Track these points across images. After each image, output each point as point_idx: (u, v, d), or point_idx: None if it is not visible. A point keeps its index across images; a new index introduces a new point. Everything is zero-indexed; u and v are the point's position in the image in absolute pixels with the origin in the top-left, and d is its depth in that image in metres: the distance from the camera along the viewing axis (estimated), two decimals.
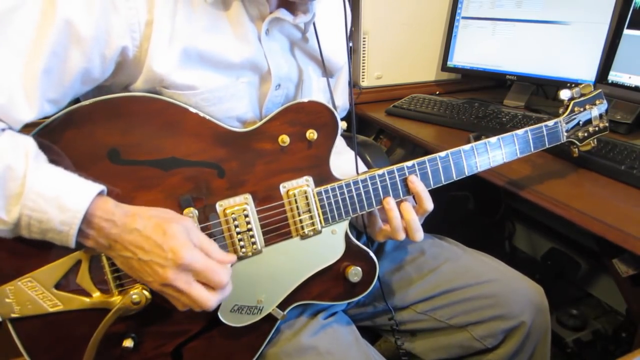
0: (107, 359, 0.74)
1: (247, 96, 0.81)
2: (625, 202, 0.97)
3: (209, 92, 0.75)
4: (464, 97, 1.68)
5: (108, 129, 0.68)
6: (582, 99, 0.98)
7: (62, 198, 0.61)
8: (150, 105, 0.71)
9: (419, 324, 1.00)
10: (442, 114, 1.48)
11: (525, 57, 1.57)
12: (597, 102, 1.00)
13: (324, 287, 0.85)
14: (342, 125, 0.85)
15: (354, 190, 0.82)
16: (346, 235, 0.84)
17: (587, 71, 1.43)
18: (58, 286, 0.69)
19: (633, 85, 1.31)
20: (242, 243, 0.76)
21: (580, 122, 0.99)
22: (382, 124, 1.56)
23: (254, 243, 0.77)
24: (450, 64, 1.74)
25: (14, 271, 0.67)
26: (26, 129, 0.65)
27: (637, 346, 1.20)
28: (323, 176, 0.81)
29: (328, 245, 0.83)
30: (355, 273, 0.84)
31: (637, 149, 1.10)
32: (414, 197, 0.85)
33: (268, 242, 0.79)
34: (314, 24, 0.85)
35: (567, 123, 0.97)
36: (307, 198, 0.79)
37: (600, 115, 1.00)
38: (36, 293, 0.68)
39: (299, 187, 0.79)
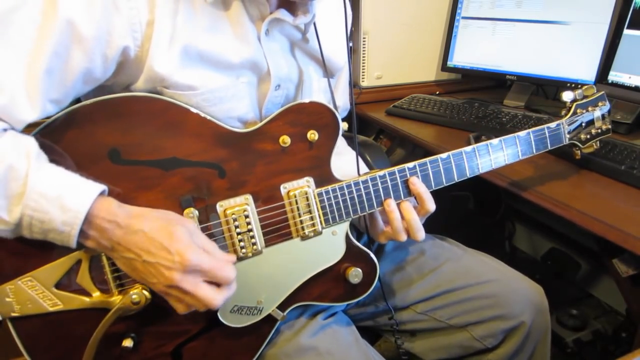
0: (107, 358, 0.74)
1: (248, 96, 0.81)
2: (626, 202, 0.97)
3: (210, 93, 0.75)
4: (464, 97, 1.68)
5: (109, 129, 0.68)
6: (584, 100, 0.98)
7: (63, 198, 0.61)
8: (151, 105, 0.71)
9: (419, 324, 1.00)
10: (442, 114, 1.48)
11: (525, 57, 1.57)
12: (600, 103, 1.00)
13: (324, 288, 0.85)
14: (343, 125, 0.85)
15: (354, 191, 0.82)
16: (347, 236, 0.84)
17: (587, 71, 1.43)
18: (58, 285, 0.69)
19: (633, 85, 1.31)
20: (242, 243, 0.76)
21: (583, 124, 0.98)
22: (382, 124, 1.56)
23: (254, 244, 0.77)
24: (450, 64, 1.74)
25: (14, 270, 0.67)
26: (27, 128, 0.65)
27: (637, 346, 1.21)
28: (324, 177, 0.81)
29: (328, 246, 0.83)
30: (355, 274, 0.84)
31: (637, 149, 1.10)
32: (415, 198, 0.85)
33: (268, 242, 0.79)
34: (314, 24, 0.85)
35: (569, 125, 0.97)
36: (307, 199, 0.79)
37: (603, 117, 1.00)
38: (36, 292, 0.68)
39: (299, 188, 0.79)
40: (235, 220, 0.75)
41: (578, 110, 0.97)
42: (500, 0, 1.59)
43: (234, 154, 0.75)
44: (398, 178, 0.83)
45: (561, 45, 1.48)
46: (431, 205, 0.84)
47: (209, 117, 0.74)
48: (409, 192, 0.84)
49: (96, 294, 0.71)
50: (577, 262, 1.84)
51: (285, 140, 0.78)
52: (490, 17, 1.61)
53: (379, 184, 0.83)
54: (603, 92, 1.01)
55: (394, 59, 1.72)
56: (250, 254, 0.77)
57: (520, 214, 2.03)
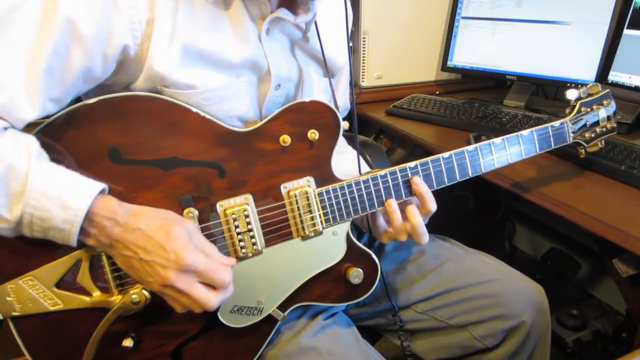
0: (107, 358, 0.74)
1: (248, 95, 0.80)
2: (626, 202, 0.97)
3: (210, 92, 0.75)
4: (464, 97, 1.68)
5: (109, 128, 0.68)
6: (589, 99, 0.97)
7: (64, 196, 0.61)
8: (152, 105, 0.71)
9: (419, 324, 1.00)
10: (442, 114, 1.48)
11: (525, 57, 1.57)
12: (605, 102, 0.99)
13: (324, 288, 0.84)
14: (344, 125, 0.85)
15: (355, 191, 0.82)
16: (347, 236, 0.83)
17: (587, 71, 1.43)
18: (59, 285, 0.69)
19: (633, 85, 1.31)
20: (242, 243, 0.76)
21: (587, 123, 0.97)
22: (382, 124, 1.56)
23: (254, 243, 0.77)
24: (450, 64, 1.74)
25: (15, 270, 0.68)
26: (28, 127, 0.65)
27: (637, 346, 1.21)
28: (324, 176, 0.81)
29: (329, 246, 0.83)
30: (356, 275, 0.84)
31: (637, 149, 1.10)
32: (417, 198, 0.84)
33: (268, 242, 0.79)
34: (315, 24, 0.85)
35: (573, 124, 0.95)
36: (308, 199, 0.79)
37: (608, 116, 0.99)
38: (37, 292, 0.68)
39: (300, 188, 0.79)
40: (235, 220, 0.75)
41: (582, 109, 0.96)
42: (500, 0, 1.59)
43: (234, 153, 0.75)
44: (399, 177, 0.83)
45: (561, 45, 1.48)
46: (433, 206, 0.83)
47: (209, 117, 0.74)
48: (410, 192, 0.84)
49: (96, 294, 0.71)
50: (577, 262, 1.84)
51: (286, 139, 0.78)
52: (490, 17, 1.61)
53: (380, 183, 0.82)
54: (608, 90, 0.99)
55: (394, 59, 1.72)
56: (250, 254, 0.77)
57: (520, 214, 2.03)
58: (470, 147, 0.86)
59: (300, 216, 0.79)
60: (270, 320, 0.81)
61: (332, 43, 0.90)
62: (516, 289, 0.96)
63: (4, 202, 0.59)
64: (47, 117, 0.66)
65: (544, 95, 1.77)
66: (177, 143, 0.72)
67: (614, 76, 1.36)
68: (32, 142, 0.62)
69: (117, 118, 0.68)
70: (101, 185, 0.64)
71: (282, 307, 0.82)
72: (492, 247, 1.44)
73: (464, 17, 1.68)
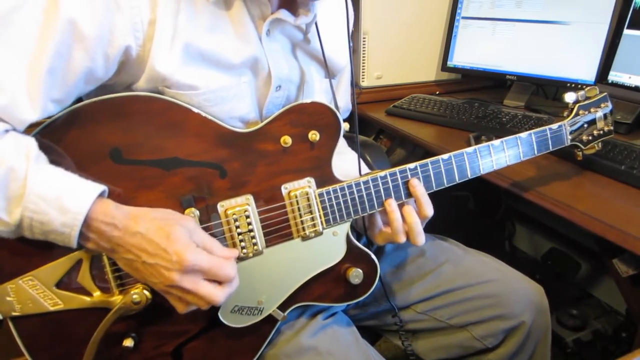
0: (107, 358, 0.74)
1: (249, 96, 0.80)
2: (625, 202, 0.97)
3: (211, 92, 0.75)
4: (464, 97, 1.68)
5: (110, 129, 0.68)
6: (587, 102, 0.98)
7: (62, 199, 0.60)
8: (153, 105, 0.71)
9: (419, 324, 1.00)
10: (442, 114, 1.48)
11: (525, 57, 1.57)
12: (602, 105, 0.99)
13: (324, 288, 0.85)
14: (345, 126, 0.85)
15: (355, 192, 0.82)
16: (347, 236, 0.84)
17: (587, 71, 1.43)
18: (59, 285, 0.69)
19: (633, 85, 1.31)
20: (243, 244, 0.76)
21: (585, 125, 0.98)
22: (382, 124, 1.56)
23: (254, 244, 0.77)
24: (450, 64, 1.74)
25: (15, 269, 0.68)
26: (29, 128, 0.65)
27: (637, 346, 1.21)
28: (325, 177, 0.81)
29: (329, 246, 0.83)
30: (356, 275, 0.84)
31: (637, 149, 1.10)
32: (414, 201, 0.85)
33: (269, 243, 0.79)
34: (316, 25, 0.85)
35: (571, 126, 0.96)
36: (308, 199, 0.79)
37: (605, 118, 0.99)
38: (37, 292, 0.68)
39: (300, 189, 0.79)
40: (236, 220, 0.75)
41: (580, 112, 0.97)
42: (500, 0, 1.59)
43: (235, 154, 0.75)
44: (399, 179, 0.83)
45: (561, 45, 1.48)
46: (429, 210, 0.83)
47: (210, 117, 0.74)
48: (409, 193, 0.84)
49: (97, 294, 0.71)
50: (577, 262, 1.84)
51: (287, 140, 0.78)
52: (490, 17, 1.61)
53: (380, 184, 0.82)
54: (606, 93, 1.00)
55: (394, 59, 1.72)
56: (251, 254, 0.77)
57: (520, 214, 2.03)
58: (470, 149, 0.87)
59: (300, 217, 0.80)
60: (270, 320, 0.81)
61: (332, 44, 0.90)
62: (516, 289, 0.96)
63: (3, 205, 0.59)
64: (48, 117, 0.66)
65: (544, 95, 1.77)
66: (179, 143, 0.72)
67: (614, 76, 1.36)
68: (31, 144, 0.62)
69: (118, 118, 0.68)
70: (100, 188, 0.64)
71: (282, 307, 0.82)
72: (492, 247, 1.44)
73: (464, 17, 1.68)
